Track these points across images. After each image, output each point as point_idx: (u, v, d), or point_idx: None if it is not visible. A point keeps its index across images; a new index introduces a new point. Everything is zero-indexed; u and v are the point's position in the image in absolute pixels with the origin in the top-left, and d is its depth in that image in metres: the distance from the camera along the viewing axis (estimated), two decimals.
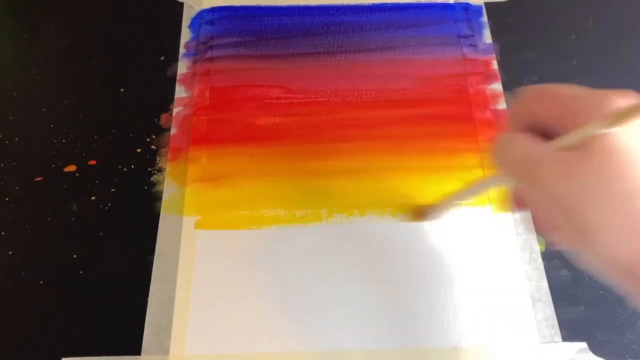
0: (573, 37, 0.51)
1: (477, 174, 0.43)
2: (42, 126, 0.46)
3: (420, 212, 0.41)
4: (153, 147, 0.44)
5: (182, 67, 0.48)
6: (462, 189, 0.38)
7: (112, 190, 0.42)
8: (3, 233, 0.41)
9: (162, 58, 0.49)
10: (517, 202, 0.31)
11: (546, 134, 0.26)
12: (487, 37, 0.50)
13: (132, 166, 0.44)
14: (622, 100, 0.24)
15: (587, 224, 0.24)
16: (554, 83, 0.27)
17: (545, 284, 0.38)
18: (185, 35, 0.51)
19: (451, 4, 0.53)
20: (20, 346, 0.37)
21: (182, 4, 0.53)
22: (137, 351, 0.36)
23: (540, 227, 0.29)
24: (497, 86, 0.47)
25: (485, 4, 0.52)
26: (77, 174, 0.43)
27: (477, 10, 0.52)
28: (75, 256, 0.40)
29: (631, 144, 0.23)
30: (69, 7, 0.53)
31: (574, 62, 0.49)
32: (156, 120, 0.46)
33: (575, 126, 0.24)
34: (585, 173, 0.23)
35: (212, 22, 0.51)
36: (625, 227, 0.23)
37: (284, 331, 0.37)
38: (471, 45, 0.50)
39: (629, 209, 0.23)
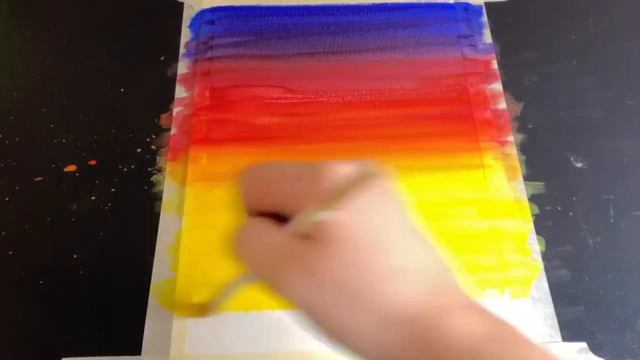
0: (573, 37, 0.51)
1: (478, 173, 0.43)
2: (42, 126, 0.46)
3: (199, 309, 0.37)
4: (153, 147, 0.44)
5: (182, 67, 0.48)
6: (222, 287, 0.32)
7: (112, 190, 0.42)
8: (3, 233, 0.41)
9: (162, 58, 0.49)
10: None
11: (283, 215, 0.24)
12: (487, 37, 0.50)
13: (132, 166, 0.43)
14: (338, 175, 0.22)
15: (338, 326, 0.22)
16: (273, 162, 0.25)
17: (545, 284, 0.38)
18: (185, 35, 0.51)
19: (451, 4, 0.53)
20: (20, 346, 0.37)
21: (182, 4, 0.53)
22: (137, 351, 0.36)
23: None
24: (497, 86, 0.47)
25: (485, 4, 0.52)
26: (77, 174, 0.43)
27: (477, 10, 0.52)
28: (75, 256, 0.40)
29: (361, 229, 0.22)
30: (69, 7, 0.53)
31: (574, 62, 0.49)
32: (156, 120, 0.46)
33: (299, 210, 0.22)
34: (320, 270, 0.22)
35: (212, 22, 0.51)
36: (374, 324, 0.21)
37: (284, 331, 0.37)
38: (471, 45, 0.50)
39: (370, 305, 0.21)
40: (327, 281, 0.22)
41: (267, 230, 0.24)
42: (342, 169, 0.22)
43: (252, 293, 0.37)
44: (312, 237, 0.22)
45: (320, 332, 0.23)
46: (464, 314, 0.22)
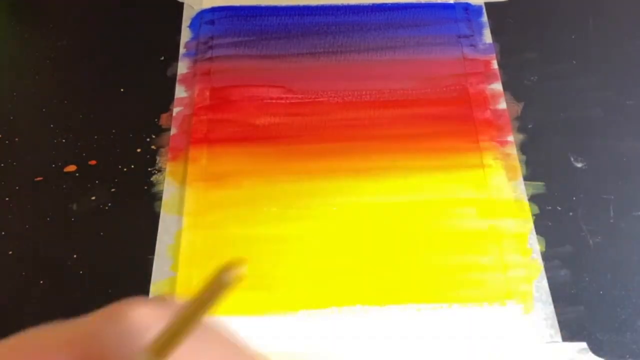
0: (573, 37, 0.51)
1: (478, 173, 0.43)
2: (42, 126, 0.46)
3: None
4: (153, 147, 0.44)
5: (182, 67, 0.48)
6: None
7: (112, 190, 0.42)
8: (3, 233, 0.41)
9: (162, 58, 0.49)
10: None
11: None
12: (487, 37, 0.50)
13: (132, 166, 0.44)
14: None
15: None
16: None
17: (545, 284, 0.38)
18: (185, 35, 0.51)
19: (451, 4, 0.53)
20: None
21: (182, 4, 0.53)
22: None
23: None
24: (497, 86, 0.47)
25: (485, 4, 0.52)
26: (77, 174, 0.43)
27: (477, 10, 0.52)
28: (75, 256, 0.40)
29: None
30: (69, 7, 0.53)
31: (574, 62, 0.49)
32: (156, 120, 0.46)
33: None
34: None
35: (212, 22, 0.51)
36: None
37: (284, 331, 0.37)
38: (471, 45, 0.50)
39: None
40: None
41: None
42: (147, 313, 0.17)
43: (251, 297, 0.38)
44: None
45: None
46: None
